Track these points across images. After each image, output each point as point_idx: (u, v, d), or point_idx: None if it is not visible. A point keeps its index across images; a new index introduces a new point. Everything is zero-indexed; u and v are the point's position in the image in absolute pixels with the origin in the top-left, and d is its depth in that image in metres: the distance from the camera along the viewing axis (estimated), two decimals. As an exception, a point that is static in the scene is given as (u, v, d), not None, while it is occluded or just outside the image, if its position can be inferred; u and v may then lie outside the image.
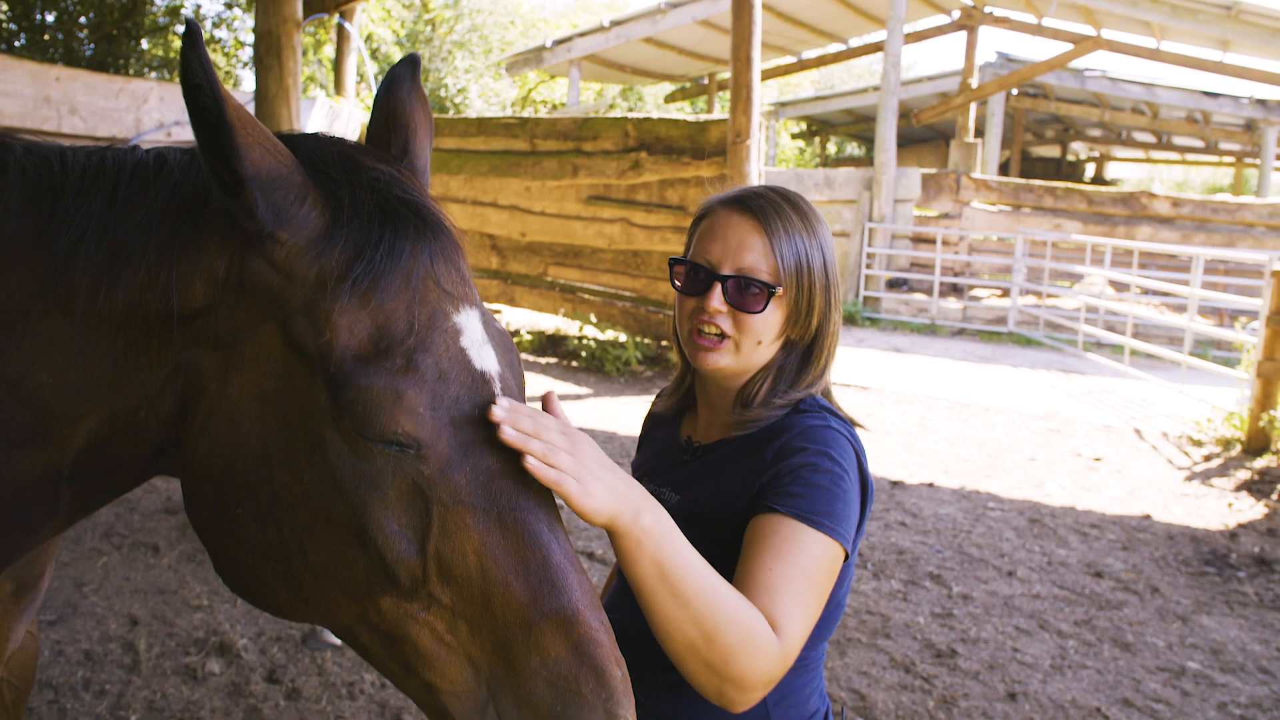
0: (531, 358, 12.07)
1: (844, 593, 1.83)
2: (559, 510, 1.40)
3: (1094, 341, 14.48)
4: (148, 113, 11.59)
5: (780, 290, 1.77)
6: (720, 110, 26.01)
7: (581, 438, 1.41)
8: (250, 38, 19.77)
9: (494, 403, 1.35)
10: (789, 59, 25.00)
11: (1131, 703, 4.33)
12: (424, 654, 1.33)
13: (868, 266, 17.50)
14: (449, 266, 1.42)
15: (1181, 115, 26.69)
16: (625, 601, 1.84)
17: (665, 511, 1.47)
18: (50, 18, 18.45)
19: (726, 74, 22.17)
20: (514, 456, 1.36)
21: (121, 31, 18.79)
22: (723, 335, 1.78)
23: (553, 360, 12.04)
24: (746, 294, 1.76)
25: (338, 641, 4.43)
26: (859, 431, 1.85)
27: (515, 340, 12.59)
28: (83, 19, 18.80)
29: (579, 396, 10.09)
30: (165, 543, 5.52)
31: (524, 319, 14.23)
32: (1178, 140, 32.44)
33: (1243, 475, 8.03)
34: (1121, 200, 18.48)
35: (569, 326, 13.10)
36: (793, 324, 1.82)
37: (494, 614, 1.30)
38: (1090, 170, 41.46)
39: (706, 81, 26.96)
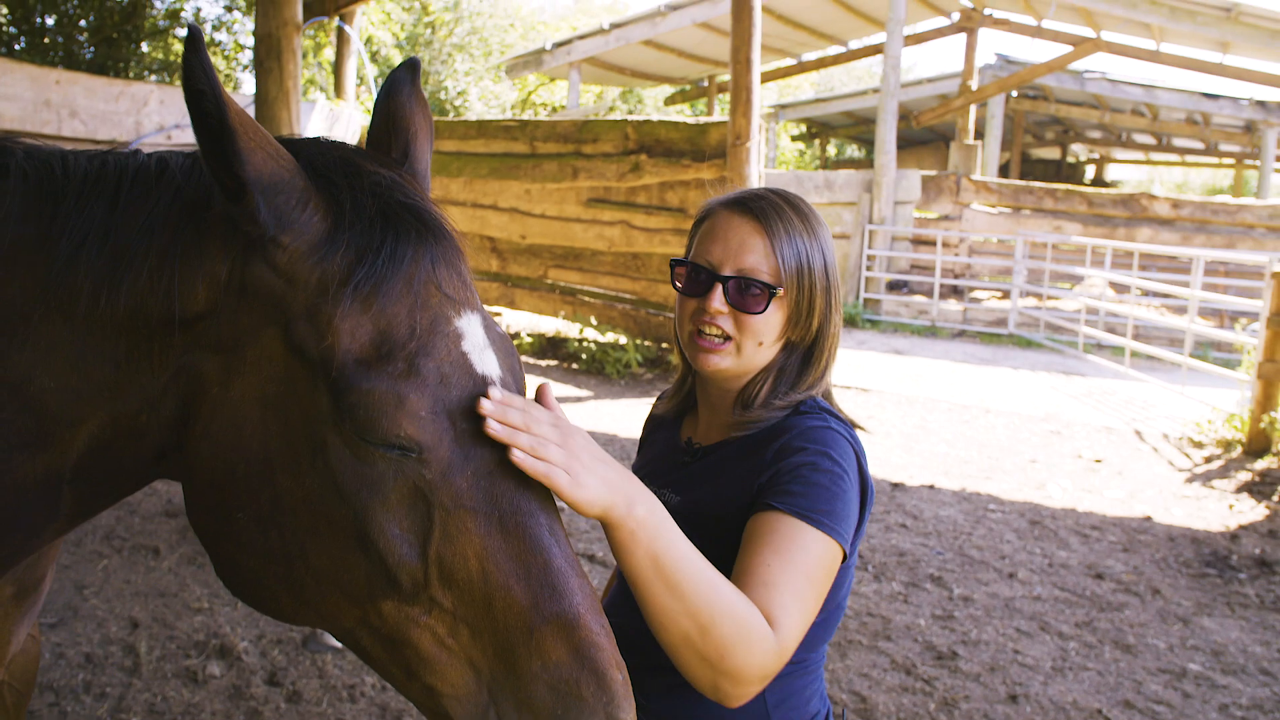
0: (532, 360, 12.07)
1: (844, 594, 1.83)
2: (560, 513, 1.40)
3: (1094, 343, 14.47)
4: (148, 116, 11.59)
5: (781, 291, 1.77)
6: (720, 113, 26.04)
7: (574, 430, 1.41)
8: (250, 41, 19.78)
9: (486, 397, 1.35)
10: (789, 61, 25.02)
11: (1133, 704, 4.33)
12: (425, 657, 1.33)
13: (868, 268, 17.50)
14: (450, 271, 1.42)
15: (1181, 117, 26.70)
16: (625, 603, 1.84)
17: (660, 504, 1.47)
18: (50, 21, 18.46)
19: (726, 76, 22.18)
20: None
21: (122, 35, 18.81)
22: (724, 336, 1.79)
23: (553, 363, 12.04)
24: (747, 295, 1.76)
25: (338, 644, 4.43)
26: (859, 433, 1.85)
27: (515, 343, 12.60)
28: (83, 22, 18.82)
29: (579, 399, 10.09)
30: (166, 546, 5.52)
31: (524, 321, 14.23)
32: (1178, 142, 32.47)
33: (1243, 477, 8.03)
34: (1121, 202, 18.49)
35: (569, 329, 13.10)
36: (793, 325, 1.82)
37: (495, 618, 1.30)
38: (1090, 172, 41.49)
39: (706, 84, 26.98)
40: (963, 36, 21.79)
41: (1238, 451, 8.72)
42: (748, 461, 1.78)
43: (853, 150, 41.80)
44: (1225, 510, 7.18)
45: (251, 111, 7.96)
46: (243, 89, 20.19)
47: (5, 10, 18.12)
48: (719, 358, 1.80)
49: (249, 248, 1.34)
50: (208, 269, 1.37)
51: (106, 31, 18.64)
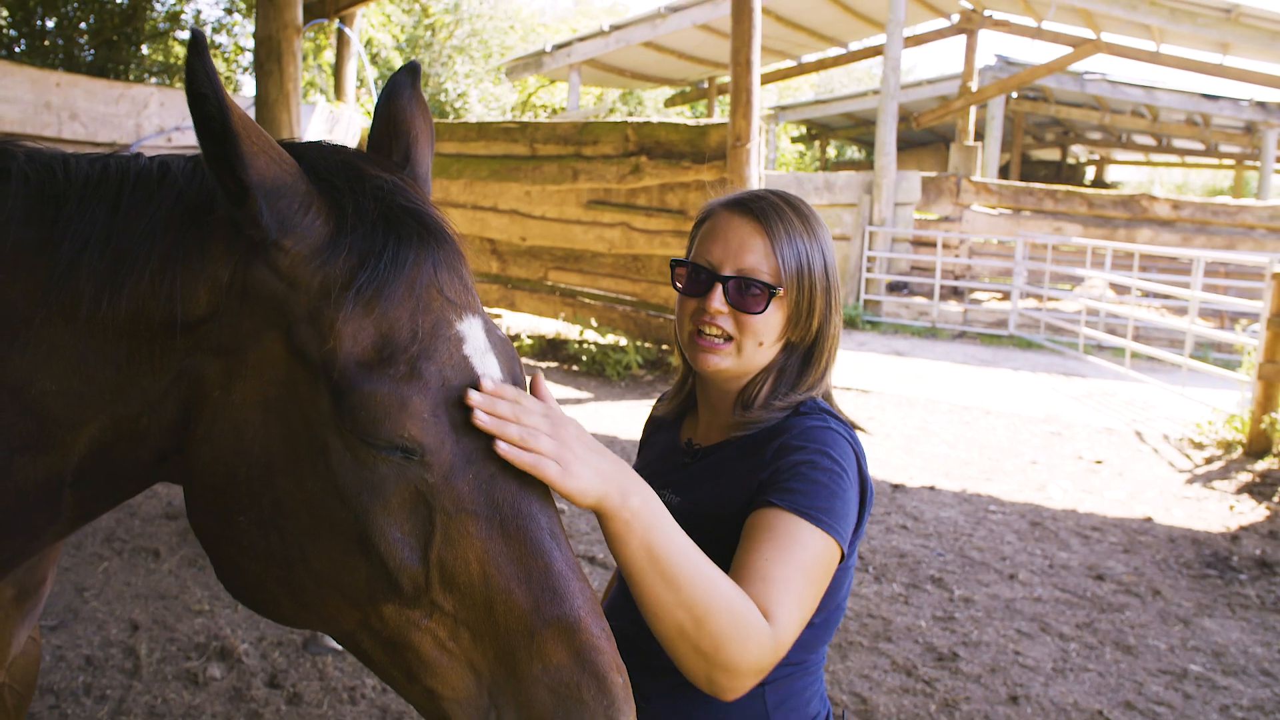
0: (532, 362, 12.07)
1: (844, 595, 1.84)
2: (560, 516, 1.40)
3: (1095, 344, 14.47)
4: (148, 118, 11.60)
5: (781, 291, 1.78)
6: (720, 114, 26.05)
7: (566, 420, 1.41)
8: (250, 43, 19.79)
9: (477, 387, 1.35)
10: (789, 63, 25.03)
11: (1133, 705, 4.33)
12: (426, 661, 1.33)
13: (868, 270, 17.50)
14: (452, 275, 1.42)
15: (1181, 118, 26.72)
16: (625, 605, 1.84)
17: (655, 495, 1.46)
18: (51, 23, 18.48)
19: (726, 78, 22.19)
20: None
21: (122, 37, 18.82)
22: (724, 337, 1.79)
23: (553, 364, 12.04)
24: (747, 294, 1.77)
25: (339, 647, 4.43)
26: (859, 435, 1.85)
27: (516, 345, 12.60)
28: (83, 24, 18.83)
29: (580, 401, 10.09)
30: (166, 548, 5.52)
31: (524, 323, 14.23)
32: (1178, 143, 32.48)
33: (1244, 478, 8.03)
34: (1122, 203, 18.49)
35: (569, 331, 13.10)
36: (793, 326, 1.83)
37: (496, 621, 1.31)
38: (1090, 173, 41.51)
39: (706, 85, 26.99)
40: (963, 38, 21.80)
41: (1238, 452, 8.72)
42: (747, 461, 1.78)
43: (853, 152, 41.81)
44: (1226, 511, 7.18)
45: (251, 113, 7.94)
46: (243, 91, 20.18)
47: (5, 13, 18.13)
48: (718, 358, 1.80)
49: (251, 251, 1.35)
50: (209, 273, 1.37)
51: (107, 34, 18.65)
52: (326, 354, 1.31)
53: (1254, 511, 7.16)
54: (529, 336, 13.19)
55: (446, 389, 1.33)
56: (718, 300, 1.78)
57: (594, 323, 11.93)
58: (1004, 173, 30.28)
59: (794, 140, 39.63)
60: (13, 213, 1.41)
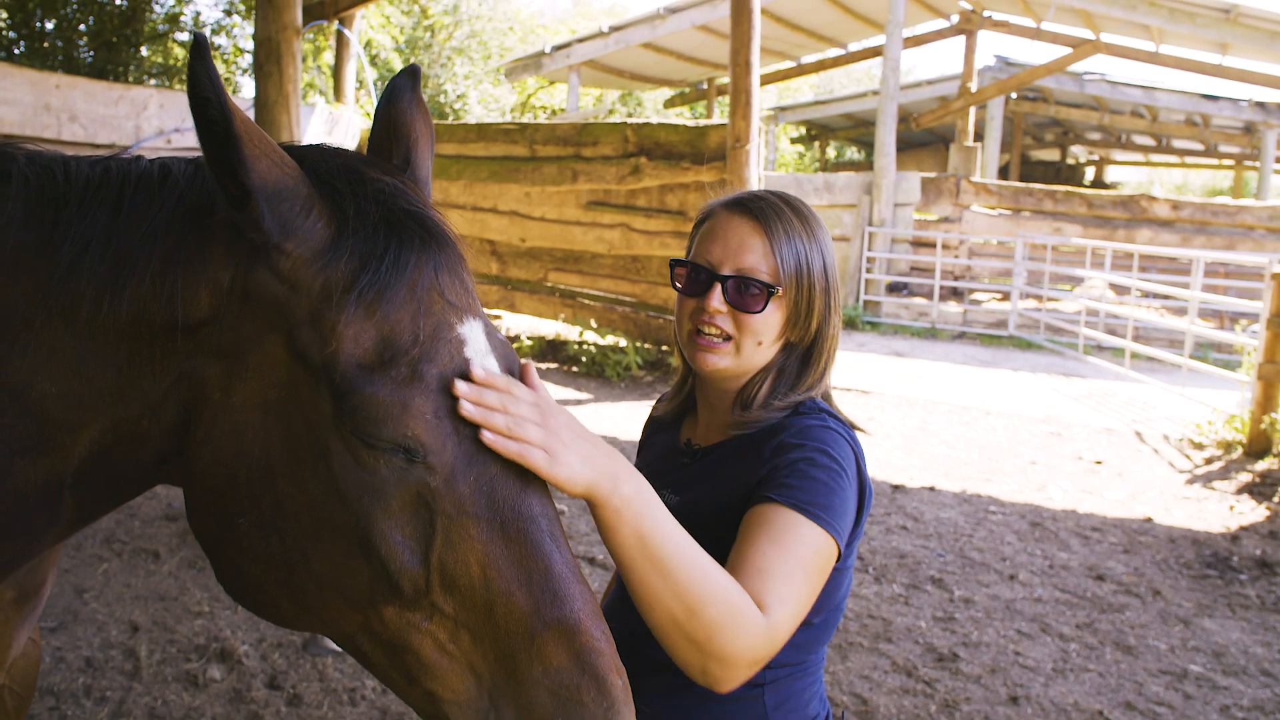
0: (532, 363, 12.06)
1: (842, 595, 1.84)
2: (560, 518, 1.41)
3: (1094, 345, 14.47)
4: (147, 120, 11.59)
5: (780, 291, 1.78)
6: (720, 115, 26.06)
7: (555, 408, 1.41)
8: (250, 44, 19.79)
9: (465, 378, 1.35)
10: (788, 64, 25.05)
11: (1134, 706, 4.33)
12: (426, 663, 1.33)
13: (868, 270, 17.51)
14: (453, 278, 1.42)
15: (1181, 118, 26.73)
16: (624, 606, 1.84)
17: (647, 484, 1.46)
18: (50, 25, 18.47)
19: (726, 79, 22.19)
20: (517, 467, 1.36)
21: (121, 39, 18.81)
22: (723, 336, 1.80)
23: (553, 365, 12.04)
24: (746, 294, 1.77)
25: (338, 648, 4.43)
26: (859, 435, 1.86)
27: (515, 346, 12.60)
28: (82, 26, 18.81)
29: (579, 402, 10.09)
30: (166, 549, 5.52)
31: (524, 324, 14.24)
32: (1177, 143, 32.50)
33: (1244, 478, 8.03)
34: (1121, 203, 18.50)
35: (569, 332, 13.10)
36: (792, 326, 1.83)
37: (496, 623, 1.31)
38: (1090, 174, 41.53)
39: (706, 86, 27.01)
40: (962, 39, 21.82)
41: (1238, 453, 8.72)
42: (746, 460, 1.78)
43: (852, 152, 41.83)
44: (1226, 511, 7.18)
45: (251, 115, 7.95)
46: (242, 93, 20.19)
47: (5, 14, 18.13)
48: (717, 357, 1.80)
49: (252, 254, 1.35)
50: (211, 275, 1.37)
51: (106, 36, 18.64)
52: (328, 357, 1.31)
53: (1254, 512, 7.16)
54: (529, 338, 13.20)
55: (447, 392, 1.33)
56: (717, 300, 1.78)
57: (594, 324, 11.93)
58: (1003, 173, 30.30)
59: (793, 141, 39.65)
60: (13, 215, 1.41)
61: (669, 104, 29.74)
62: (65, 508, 1.49)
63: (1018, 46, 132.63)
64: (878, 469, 7.94)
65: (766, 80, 24.65)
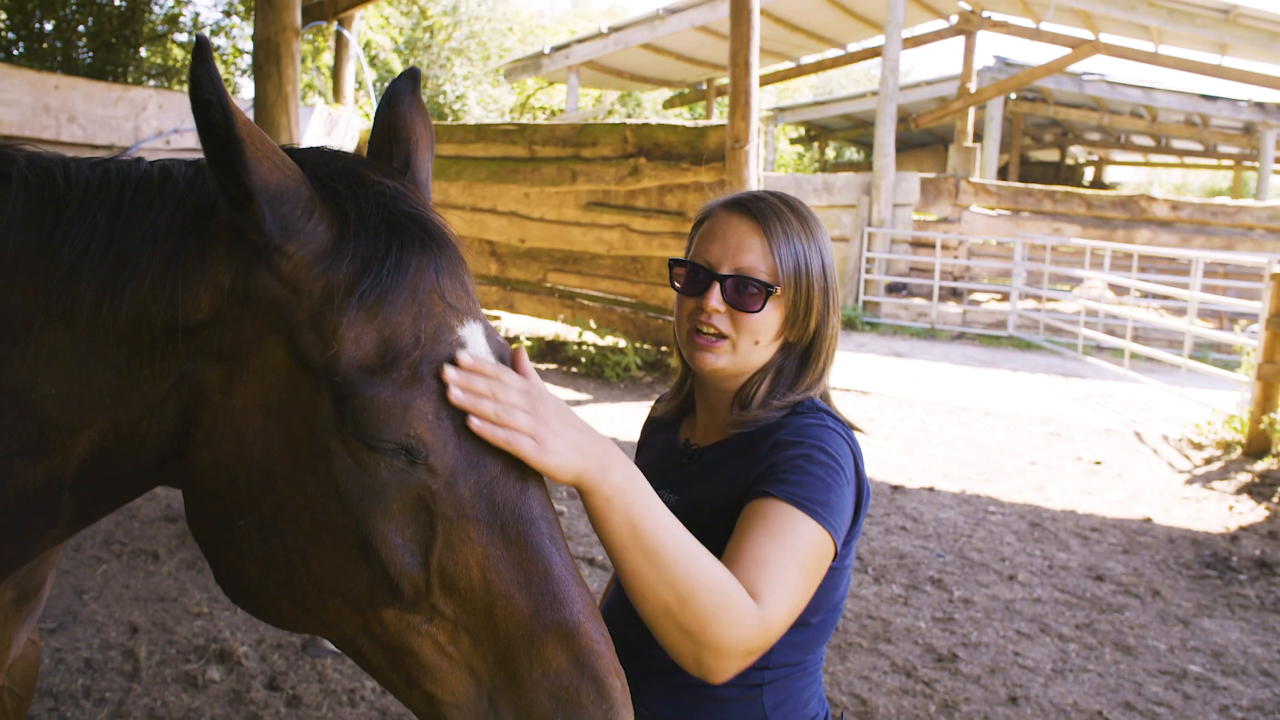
0: (531, 364, 12.07)
1: (841, 596, 1.84)
2: (559, 520, 1.41)
3: (1094, 345, 14.48)
4: (146, 120, 11.59)
5: (778, 290, 1.78)
6: (719, 116, 26.07)
7: (545, 395, 1.40)
8: (249, 45, 19.80)
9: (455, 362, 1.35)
10: (787, 64, 25.05)
11: (1133, 706, 4.33)
12: (426, 665, 1.34)
13: (867, 271, 17.51)
14: (454, 280, 1.43)
15: (1180, 119, 26.74)
16: (623, 607, 1.85)
17: (639, 472, 1.46)
18: (49, 26, 18.46)
19: (725, 79, 22.21)
20: (517, 468, 1.36)
21: (120, 39, 18.80)
22: (721, 335, 1.80)
23: (552, 366, 12.04)
24: (745, 293, 1.78)
25: (337, 649, 4.44)
26: (857, 435, 1.86)
27: (514, 347, 12.58)
28: (81, 27, 18.80)
29: (579, 402, 10.09)
30: (165, 550, 5.52)
31: (523, 325, 14.24)
32: (1176, 144, 32.52)
33: (1243, 478, 8.03)
34: (1120, 204, 18.51)
35: (568, 332, 13.11)
36: (791, 325, 1.83)
37: (496, 626, 1.31)
38: (1089, 174, 41.55)
39: (705, 87, 27.02)
40: (961, 39, 21.83)
41: (1237, 453, 8.72)
42: (744, 459, 1.79)
43: (851, 153, 41.84)
44: (1225, 512, 7.18)
45: (250, 116, 7.96)
46: (241, 93, 20.19)
47: (4, 15, 18.13)
48: (715, 356, 1.80)
49: (253, 256, 1.35)
50: (211, 277, 1.37)
51: (105, 36, 18.63)
52: (329, 359, 1.31)
53: (1253, 512, 7.16)
54: (528, 338, 13.20)
55: (448, 394, 1.33)
56: (715, 299, 1.79)
57: (593, 324, 11.93)
58: (1003, 174, 30.31)
59: (793, 142, 39.66)
60: (13, 217, 1.41)
61: (668, 105, 29.75)
62: (65, 509, 1.49)
63: (1017, 47, 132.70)
64: (877, 469, 7.94)
65: (766, 81, 24.66)
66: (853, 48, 24.00)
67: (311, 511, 1.33)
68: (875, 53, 22.42)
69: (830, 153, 40.61)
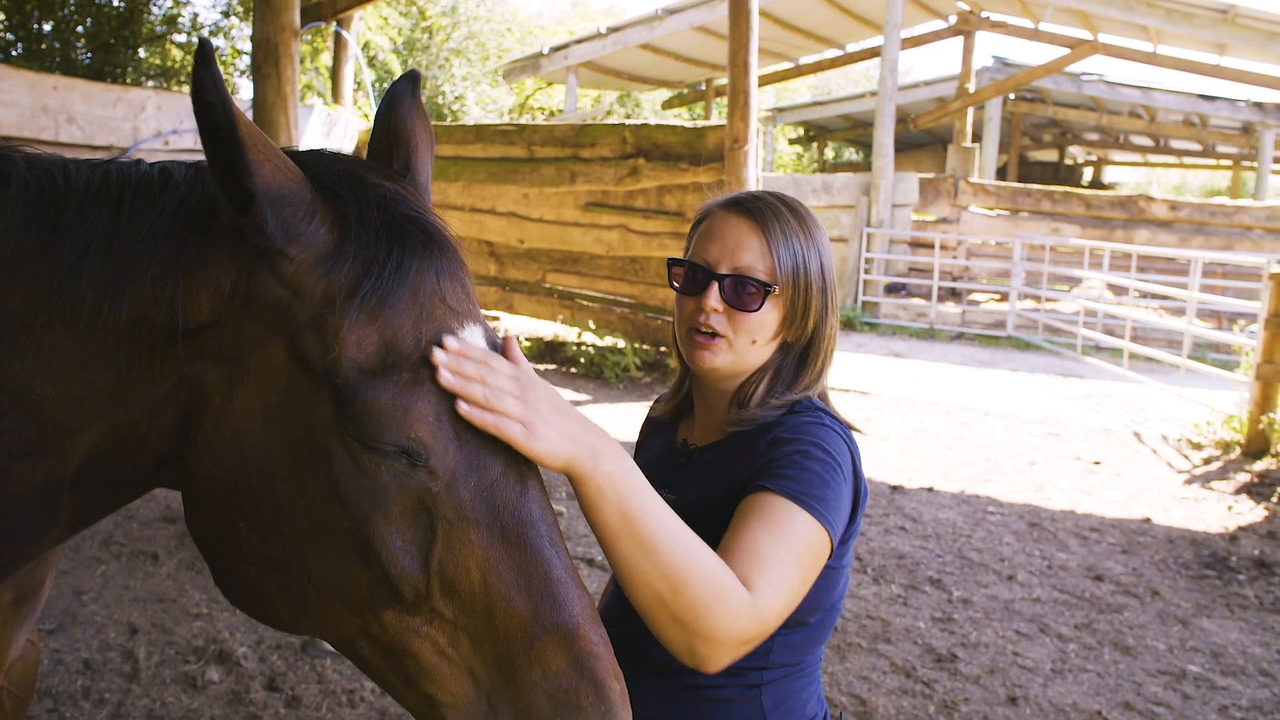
0: (530, 365, 12.07)
1: (839, 595, 1.84)
2: (559, 522, 1.41)
3: (1093, 345, 14.49)
4: (145, 121, 11.58)
5: (776, 290, 1.79)
6: (718, 116, 26.07)
7: (536, 382, 1.40)
8: (248, 46, 19.78)
9: (442, 346, 1.35)
10: (786, 65, 25.05)
11: (1132, 706, 4.33)
12: (425, 667, 1.34)
13: (866, 271, 17.52)
14: (454, 284, 1.43)
15: (1179, 119, 26.76)
16: (622, 607, 1.85)
17: (631, 461, 1.45)
18: (48, 27, 18.46)
19: (724, 80, 22.22)
20: (518, 471, 1.36)
21: (119, 40, 18.80)
22: (720, 335, 1.80)
23: (551, 367, 12.05)
24: (743, 293, 1.78)
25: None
26: (856, 436, 1.86)
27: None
28: (80, 28, 18.80)
29: (578, 403, 10.09)
30: (164, 551, 5.51)
31: (523, 326, 14.24)
32: (1175, 144, 32.53)
33: (1242, 478, 8.04)
34: (1119, 204, 18.52)
35: (568, 333, 13.11)
36: (789, 325, 1.84)
37: (496, 628, 1.31)
38: (1088, 174, 41.55)
39: (704, 87, 27.01)
40: (960, 39, 21.85)
41: (1236, 453, 8.73)
42: (741, 456, 1.79)
43: (850, 153, 41.84)
44: (1224, 512, 7.19)
45: (249, 116, 7.95)
46: (240, 94, 20.19)
47: (2, 16, 18.13)
48: (713, 354, 1.81)
49: (255, 259, 1.35)
50: (212, 279, 1.37)
51: (104, 37, 18.63)
52: (330, 362, 1.32)
53: (1252, 512, 7.17)
54: (527, 339, 13.20)
55: (449, 396, 1.34)
56: (713, 298, 1.79)
57: (592, 325, 11.93)
58: (1001, 174, 30.32)
59: (792, 142, 39.66)
60: (12, 219, 1.41)
61: (667, 105, 29.75)
62: (64, 510, 1.49)
63: (1015, 47, 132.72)
64: (876, 469, 7.94)
65: (764, 81, 24.66)
66: (851, 48, 24.00)
67: (311, 514, 1.33)
68: (874, 53, 22.42)
69: (829, 153, 40.62)
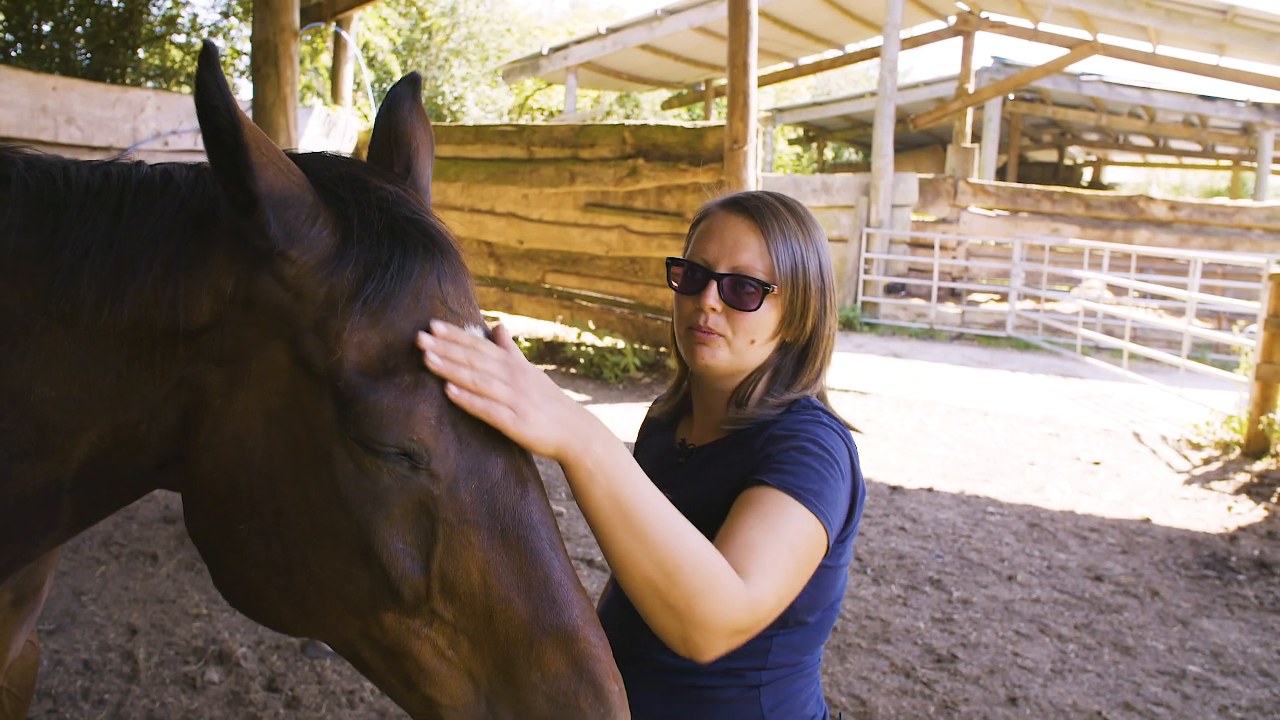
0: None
1: (838, 595, 1.84)
2: (558, 524, 1.41)
3: (1092, 345, 14.49)
4: (144, 122, 11.58)
5: (775, 289, 1.79)
6: (717, 117, 26.07)
7: (525, 367, 1.40)
8: (247, 47, 19.77)
9: (429, 331, 1.34)
10: (786, 65, 25.06)
11: (1132, 706, 4.33)
12: (425, 669, 1.34)
13: (865, 272, 17.52)
14: (456, 286, 1.43)
15: (1178, 119, 26.76)
16: (622, 608, 1.85)
17: (623, 447, 1.45)
18: (47, 27, 18.45)
19: (723, 80, 22.21)
20: (518, 474, 1.36)
21: (118, 41, 18.79)
22: (718, 334, 1.80)
23: (551, 367, 12.05)
24: (742, 292, 1.78)
25: (337, 650, 4.43)
26: (854, 436, 1.86)
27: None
28: (79, 28, 18.79)
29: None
30: (164, 551, 5.51)
31: (522, 326, 14.24)
32: (1174, 144, 32.53)
33: (1242, 478, 8.04)
34: (1119, 204, 18.52)
35: (567, 333, 13.11)
36: (787, 325, 1.84)
37: (496, 630, 1.32)
38: (1087, 174, 41.55)
39: (703, 88, 27.02)
40: (959, 40, 21.85)
41: (1236, 453, 8.73)
42: (738, 453, 1.79)
43: (850, 154, 41.84)
44: (1224, 512, 7.19)
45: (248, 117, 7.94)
46: (239, 95, 20.18)
47: (1, 16, 18.12)
48: (712, 351, 1.81)
49: (256, 261, 1.35)
50: (213, 281, 1.37)
51: (103, 38, 18.63)
52: (332, 365, 1.32)
53: (1252, 512, 7.17)
54: (527, 339, 13.20)
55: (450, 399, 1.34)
56: (712, 297, 1.79)
57: (591, 325, 11.93)
58: (1001, 174, 30.31)
59: (791, 142, 39.67)
60: (12, 220, 1.41)
61: (666, 105, 29.75)
62: (64, 511, 1.49)
63: (1015, 47, 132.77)
64: (876, 470, 7.95)
65: (764, 82, 24.65)
66: (851, 48, 24.00)
67: (313, 516, 1.33)
68: (873, 53, 22.42)
69: (829, 153, 40.62)
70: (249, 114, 7.21)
